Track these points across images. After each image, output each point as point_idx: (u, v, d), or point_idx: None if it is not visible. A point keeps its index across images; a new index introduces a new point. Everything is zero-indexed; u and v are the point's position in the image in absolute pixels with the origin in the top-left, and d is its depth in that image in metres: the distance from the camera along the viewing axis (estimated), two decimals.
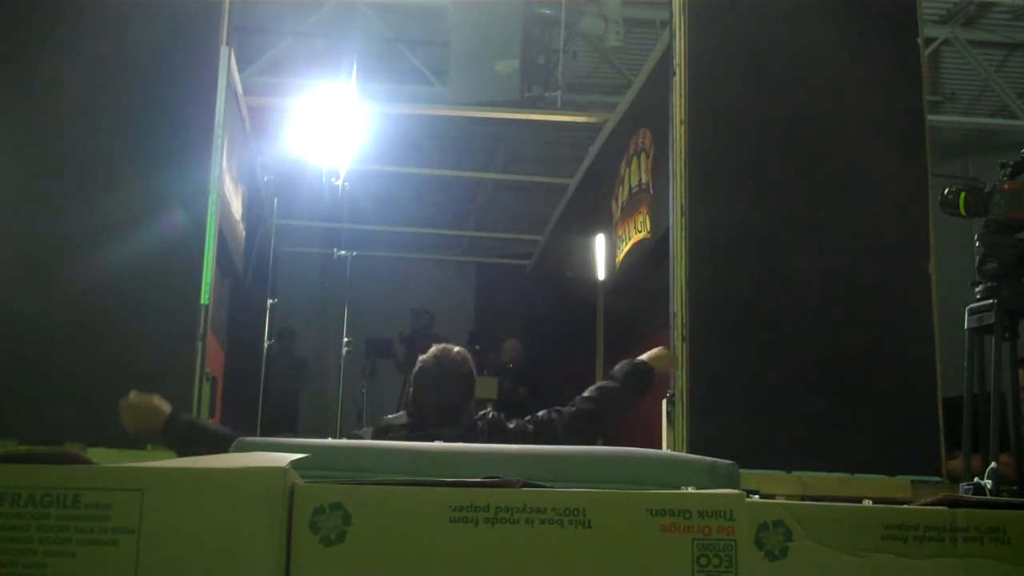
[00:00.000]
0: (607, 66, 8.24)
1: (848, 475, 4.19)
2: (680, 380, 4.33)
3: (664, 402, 4.42)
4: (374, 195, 8.70)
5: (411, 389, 3.02)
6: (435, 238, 11.46)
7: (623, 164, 6.42)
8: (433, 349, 3.04)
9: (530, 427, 3.00)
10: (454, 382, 2.94)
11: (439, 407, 2.91)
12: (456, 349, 3.05)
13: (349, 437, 3.24)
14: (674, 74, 4.60)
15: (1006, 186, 3.38)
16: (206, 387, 4.22)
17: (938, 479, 4.27)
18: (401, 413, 3.04)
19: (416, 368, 2.99)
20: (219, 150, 4.38)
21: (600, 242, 7.24)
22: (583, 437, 3.04)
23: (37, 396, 4.06)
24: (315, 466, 1.31)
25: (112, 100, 4.36)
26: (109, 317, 4.16)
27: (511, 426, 2.98)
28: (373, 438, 2.94)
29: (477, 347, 8.54)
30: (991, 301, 3.36)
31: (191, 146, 4.35)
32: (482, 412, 3.02)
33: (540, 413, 3.07)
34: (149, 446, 4.04)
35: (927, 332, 4.45)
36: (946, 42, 7.87)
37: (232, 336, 6.47)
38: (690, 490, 1.19)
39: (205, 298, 4.24)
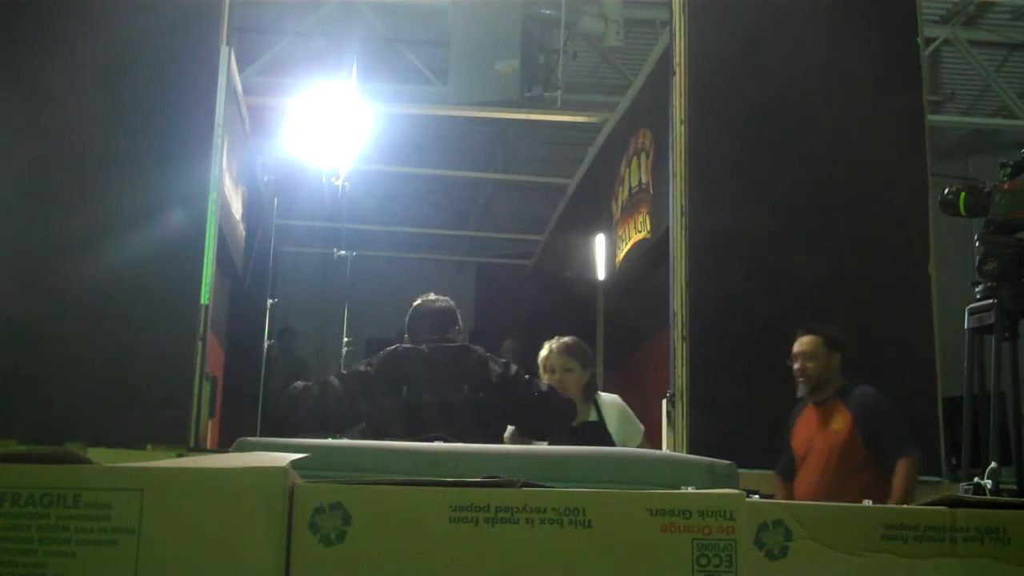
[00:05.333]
0: (607, 66, 8.24)
1: None
2: (680, 380, 4.33)
3: (664, 402, 4.42)
4: (374, 195, 8.70)
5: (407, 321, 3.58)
6: (435, 238, 11.46)
7: (623, 164, 6.42)
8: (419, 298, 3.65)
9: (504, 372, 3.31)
10: (441, 311, 3.57)
11: (427, 327, 3.47)
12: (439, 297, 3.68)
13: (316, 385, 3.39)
14: (674, 74, 4.60)
15: (1006, 186, 3.37)
16: (206, 387, 4.22)
17: (938, 479, 4.27)
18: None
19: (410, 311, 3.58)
20: (219, 150, 4.38)
21: (600, 242, 7.24)
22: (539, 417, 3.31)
23: (37, 396, 4.06)
24: (315, 466, 1.31)
25: (112, 100, 4.36)
26: (109, 317, 4.16)
27: (497, 367, 3.33)
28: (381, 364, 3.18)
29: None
30: (991, 301, 3.35)
31: (191, 146, 4.35)
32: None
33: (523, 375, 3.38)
34: (149, 446, 4.04)
35: (927, 332, 4.45)
36: (946, 42, 7.87)
37: (232, 336, 6.47)
38: (690, 490, 1.19)
39: (205, 298, 4.24)
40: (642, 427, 3.97)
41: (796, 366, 3.96)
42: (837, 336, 3.97)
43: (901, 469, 3.71)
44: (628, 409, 3.93)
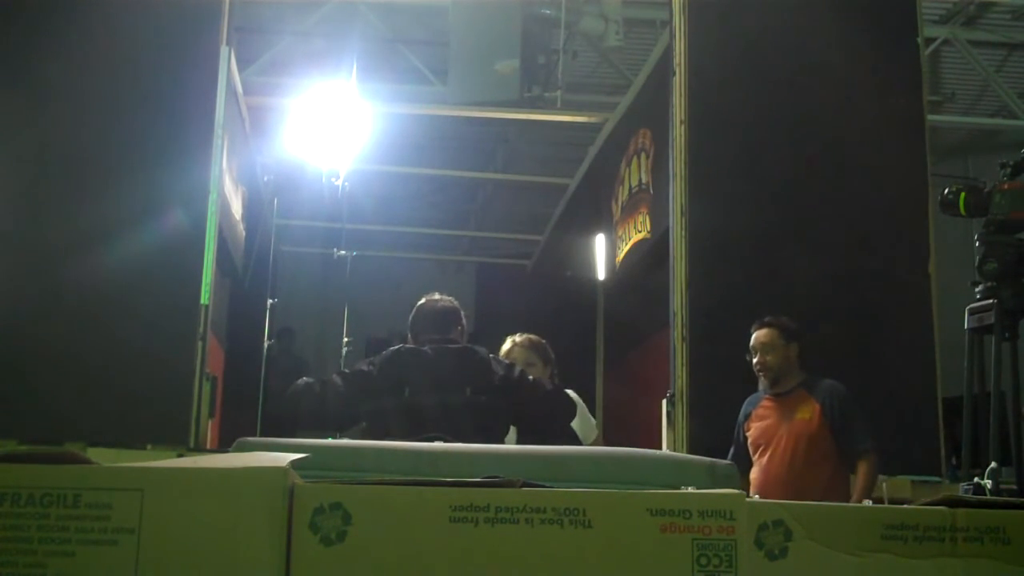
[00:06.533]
0: (607, 66, 8.22)
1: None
2: (680, 380, 4.33)
3: (664, 402, 4.42)
4: (374, 195, 8.69)
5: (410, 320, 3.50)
6: (435, 238, 11.45)
7: (623, 164, 6.42)
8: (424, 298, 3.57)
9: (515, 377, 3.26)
10: (443, 310, 3.50)
11: (429, 327, 3.40)
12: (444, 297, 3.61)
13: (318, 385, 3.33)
14: (674, 74, 4.60)
15: (1006, 186, 3.38)
16: (206, 387, 4.22)
17: (938, 479, 4.27)
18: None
19: (413, 311, 3.50)
20: (219, 150, 4.38)
21: (600, 242, 7.24)
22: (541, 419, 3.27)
23: (37, 396, 4.06)
24: (315, 466, 1.31)
25: (112, 100, 4.36)
26: (109, 317, 4.17)
27: (500, 369, 3.28)
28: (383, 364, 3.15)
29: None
30: (991, 301, 3.36)
31: (191, 146, 4.36)
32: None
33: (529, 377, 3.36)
34: (149, 446, 4.04)
35: (927, 332, 4.45)
36: (946, 42, 7.86)
37: (232, 336, 6.47)
38: (690, 490, 1.19)
39: (205, 298, 4.24)
40: (595, 423, 4.09)
41: (755, 360, 3.97)
42: (792, 327, 3.98)
43: (864, 467, 3.80)
44: (585, 407, 3.99)
